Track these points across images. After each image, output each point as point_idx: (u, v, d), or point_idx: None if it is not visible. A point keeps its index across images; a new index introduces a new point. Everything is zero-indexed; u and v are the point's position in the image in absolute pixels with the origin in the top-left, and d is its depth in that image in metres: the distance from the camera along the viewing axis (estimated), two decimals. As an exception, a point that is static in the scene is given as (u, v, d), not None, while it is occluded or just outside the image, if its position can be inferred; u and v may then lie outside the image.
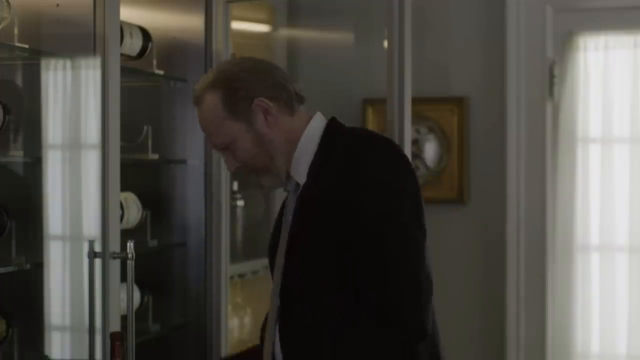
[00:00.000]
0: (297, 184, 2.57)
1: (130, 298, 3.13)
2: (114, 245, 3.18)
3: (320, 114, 2.62)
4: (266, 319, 2.66)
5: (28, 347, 3.30)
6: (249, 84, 2.52)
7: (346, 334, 2.45)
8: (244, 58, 2.70)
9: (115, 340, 2.64)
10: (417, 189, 2.52)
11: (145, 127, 3.84)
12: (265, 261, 4.74)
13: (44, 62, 3.32)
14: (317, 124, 2.58)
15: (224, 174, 3.96)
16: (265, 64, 2.61)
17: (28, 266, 3.21)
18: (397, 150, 2.55)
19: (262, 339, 2.68)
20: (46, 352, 3.29)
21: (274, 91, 2.54)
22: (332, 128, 2.58)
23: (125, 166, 3.33)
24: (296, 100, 2.58)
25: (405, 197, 2.47)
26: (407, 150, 3.64)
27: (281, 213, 2.68)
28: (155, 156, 3.89)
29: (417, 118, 4.63)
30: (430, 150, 5.10)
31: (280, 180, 2.59)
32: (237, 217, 4.68)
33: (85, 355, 3.17)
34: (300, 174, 2.55)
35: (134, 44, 3.71)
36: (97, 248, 3.15)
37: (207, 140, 2.63)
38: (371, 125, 5.08)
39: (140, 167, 3.95)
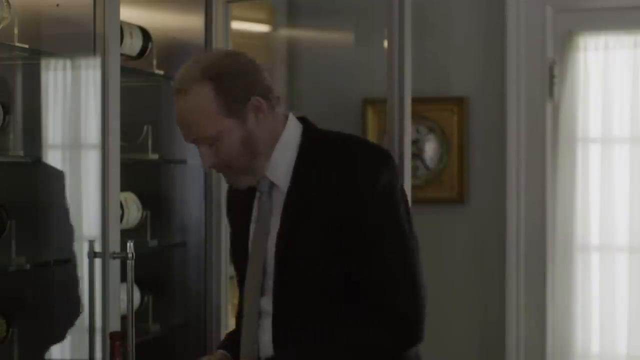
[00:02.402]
0: (271, 185, 2.55)
1: (130, 298, 3.13)
2: (114, 245, 3.19)
3: (292, 114, 2.61)
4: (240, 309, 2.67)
5: (29, 347, 3.30)
6: (247, 81, 2.48)
7: (341, 335, 2.47)
8: (231, 52, 2.71)
9: (115, 340, 2.64)
10: (405, 194, 2.56)
11: (145, 127, 3.84)
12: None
13: (43, 62, 3.32)
14: (294, 125, 2.57)
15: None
16: (255, 62, 2.56)
17: (28, 266, 3.21)
18: (388, 155, 2.55)
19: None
20: (46, 352, 3.30)
21: (265, 91, 2.51)
22: (310, 130, 2.58)
23: (125, 166, 3.33)
24: (277, 101, 2.56)
25: (400, 203, 2.50)
26: (407, 150, 3.64)
27: (240, 212, 2.65)
28: (155, 156, 3.89)
29: (417, 118, 4.63)
30: (430, 150, 5.10)
31: (255, 179, 2.55)
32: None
33: (86, 355, 3.17)
34: (279, 176, 2.53)
35: (134, 44, 3.72)
36: (97, 248, 3.16)
37: (182, 130, 2.48)
38: (371, 125, 5.08)
39: (140, 167, 3.95)
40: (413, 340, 2.48)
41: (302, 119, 2.60)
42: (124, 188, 3.39)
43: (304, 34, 5.16)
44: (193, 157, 3.96)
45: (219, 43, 3.94)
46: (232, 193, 2.72)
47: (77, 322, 3.27)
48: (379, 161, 2.49)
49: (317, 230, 2.46)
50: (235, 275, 2.77)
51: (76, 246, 3.30)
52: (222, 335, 3.94)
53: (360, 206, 2.44)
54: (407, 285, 2.45)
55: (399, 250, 2.47)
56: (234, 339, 2.64)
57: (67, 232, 3.31)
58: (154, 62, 3.85)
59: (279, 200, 2.54)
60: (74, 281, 3.27)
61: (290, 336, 2.51)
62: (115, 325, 3.17)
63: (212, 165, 2.53)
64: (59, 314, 3.34)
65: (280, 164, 2.53)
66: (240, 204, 2.65)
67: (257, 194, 2.58)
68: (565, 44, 4.86)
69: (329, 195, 2.45)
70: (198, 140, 2.49)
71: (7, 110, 3.23)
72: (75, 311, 3.27)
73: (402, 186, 2.56)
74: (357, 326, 2.47)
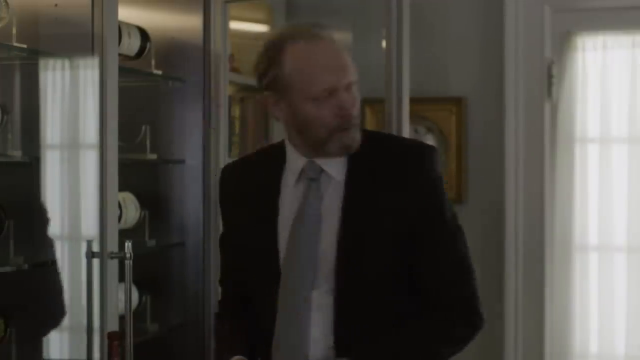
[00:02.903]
0: (320, 171, 2.56)
1: (128, 298, 3.13)
2: (112, 245, 3.19)
3: None
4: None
5: (26, 347, 3.30)
6: None
7: (418, 328, 2.54)
8: None
9: (113, 340, 2.64)
10: None
11: (143, 127, 3.84)
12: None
13: (42, 62, 3.32)
14: None
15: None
16: None
17: (26, 266, 3.21)
18: (435, 149, 2.64)
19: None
20: (44, 352, 3.30)
21: None
22: None
23: (123, 166, 3.33)
24: None
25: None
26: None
27: (244, 203, 2.65)
28: (154, 156, 3.89)
29: (415, 118, 4.63)
30: (429, 150, 5.09)
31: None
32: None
33: (84, 355, 3.17)
34: (332, 164, 2.55)
35: (132, 44, 3.72)
36: (95, 248, 3.16)
37: (334, 75, 2.47)
38: (369, 125, 5.08)
39: (139, 167, 3.95)
40: (480, 327, 2.58)
41: None
42: (122, 188, 3.39)
43: (302, 34, 5.15)
44: (191, 157, 3.96)
45: (217, 43, 3.93)
46: (229, 183, 2.73)
47: (76, 322, 3.27)
48: (432, 154, 2.57)
49: (383, 222, 2.50)
50: (228, 271, 2.79)
51: (64, 248, 3.30)
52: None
53: (423, 198, 2.52)
54: (468, 274, 2.57)
55: (457, 240, 2.60)
56: (240, 341, 2.64)
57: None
58: (152, 62, 3.85)
59: (327, 190, 2.56)
60: (58, 284, 3.28)
61: (354, 328, 2.51)
62: (113, 326, 3.16)
63: (357, 110, 2.53)
64: (49, 315, 3.34)
65: None
66: (242, 195, 2.66)
67: (289, 181, 2.59)
68: (563, 44, 4.87)
69: (391, 187, 2.51)
70: (350, 85, 2.51)
71: (5, 110, 3.22)
72: (59, 315, 3.29)
73: None
74: (431, 318, 2.55)
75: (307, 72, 2.49)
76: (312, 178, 2.57)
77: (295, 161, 2.61)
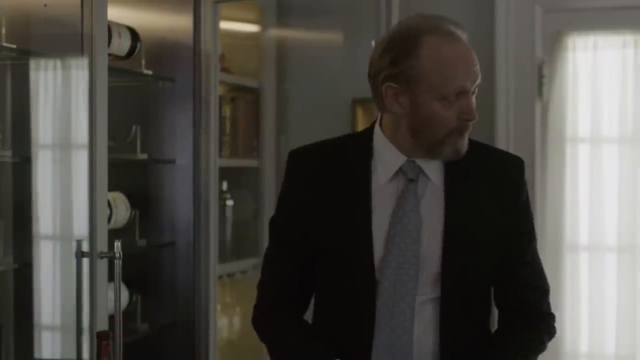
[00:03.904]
0: (419, 171, 2.49)
1: (117, 297, 3.13)
2: (102, 245, 3.19)
3: None
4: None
5: (16, 347, 3.31)
6: None
7: (511, 338, 2.57)
8: None
9: (102, 340, 2.64)
10: None
11: (134, 127, 3.84)
12: (253, 261, 4.77)
13: (32, 62, 3.32)
14: None
15: (213, 173, 3.97)
16: None
17: (16, 266, 3.22)
18: None
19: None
20: (35, 352, 3.30)
21: None
22: None
23: (113, 166, 3.34)
24: None
25: None
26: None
27: (329, 195, 2.50)
28: (144, 156, 3.89)
29: (406, 118, 4.62)
30: (420, 150, 5.09)
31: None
32: (226, 216, 4.68)
33: (73, 354, 3.17)
34: (430, 166, 2.49)
35: (122, 44, 3.71)
36: (85, 248, 3.16)
37: (468, 76, 2.44)
38: (361, 125, 5.07)
39: (129, 167, 3.95)
40: (554, 336, 2.69)
41: None
42: (112, 188, 3.39)
43: (293, 34, 5.16)
44: (182, 157, 3.97)
45: (207, 43, 3.94)
46: (305, 168, 2.56)
47: (66, 322, 3.27)
48: (524, 167, 2.58)
49: (485, 230, 2.48)
50: (287, 268, 2.56)
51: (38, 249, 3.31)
52: (211, 335, 3.95)
53: (521, 212, 2.54)
54: (548, 287, 2.66)
55: (538, 254, 2.63)
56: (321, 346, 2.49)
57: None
58: (143, 62, 3.85)
59: (425, 192, 2.48)
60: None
61: (458, 337, 2.48)
62: (103, 325, 3.17)
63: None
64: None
65: None
66: (323, 185, 2.50)
67: (380, 179, 2.49)
68: (554, 44, 4.87)
69: (493, 196, 2.50)
70: (475, 89, 2.48)
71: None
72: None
73: None
74: (529, 330, 2.60)
75: (446, 68, 2.40)
76: (411, 179, 2.48)
77: (391, 159, 2.49)
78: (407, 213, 2.45)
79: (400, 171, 2.48)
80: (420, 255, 2.43)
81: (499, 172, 2.53)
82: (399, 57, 2.42)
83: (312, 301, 2.64)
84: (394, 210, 2.46)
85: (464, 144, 2.46)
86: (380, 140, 2.52)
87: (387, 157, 2.49)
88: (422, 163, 2.48)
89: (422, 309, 2.44)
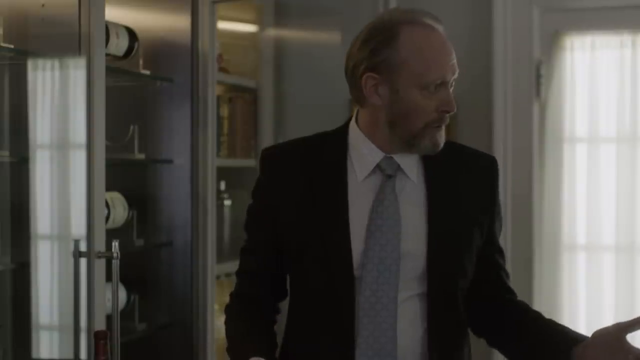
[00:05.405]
0: (397, 168, 2.48)
1: (115, 297, 3.14)
2: (100, 245, 3.20)
3: None
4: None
5: (14, 346, 3.31)
6: None
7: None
8: None
9: (99, 339, 2.64)
10: None
11: (131, 127, 3.84)
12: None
13: (30, 62, 3.32)
14: None
15: (211, 173, 3.97)
16: None
17: (14, 266, 3.22)
18: None
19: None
20: (32, 351, 3.30)
21: None
22: None
23: (111, 166, 3.34)
24: None
25: None
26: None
27: (296, 199, 2.48)
28: (142, 156, 3.89)
29: (404, 118, 4.63)
30: (418, 149, 5.09)
31: None
32: (224, 216, 4.68)
33: (71, 354, 3.18)
34: (407, 162, 2.48)
35: (120, 44, 3.72)
36: (83, 247, 3.16)
37: (448, 67, 2.41)
38: (359, 125, 5.08)
39: (127, 167, 3.95)
40: None
41: None
42: (110, 188, 3.39)
43: (291, 34, 5.16)
44: (179, 157, 3.97)
45: (205, 43, 3.94)
46: (277, 166, 2.54)
47: (63, 322, 3.27)
48: (492, 156, 2.65)
49: (467, 225, 2.51)
50: (260, 264, 2.57)
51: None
52: (209, 335, 3.94)
53: (497, 209, 2.60)
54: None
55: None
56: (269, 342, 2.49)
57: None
58: (140, 62, 3.85)
59: (404, 189, 2.47)
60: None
61: (444, 333, 2.52)
62: (100, 325, 3.17)
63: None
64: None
65: None
66: (297, 182, 2.48)
67: (357, 175, 2.47)
68: (552, 44, 4.87)
69: (472, 194, 2.52)
70: (453, 82, 2.44)
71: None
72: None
73: None
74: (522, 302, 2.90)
75: (426, 56, 2.39)
76: (389, 175, 2.47)
77: (369, 155, 2.48)
78: (387, 208, 2.44)
79: (377, 167, 2.48)
80: (403, 251, 2.43)
81: (474, 167, 2.57)
82: (379, 47, 2.40)
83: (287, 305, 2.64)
84: (373, 205, 2.44)
85: (441, 137, 2.45)
86: (356, 136, 2.50)
87: (364, 154, 2.48)
88: (399, 159, 2.47)
89: (406, 305, 2.45)
